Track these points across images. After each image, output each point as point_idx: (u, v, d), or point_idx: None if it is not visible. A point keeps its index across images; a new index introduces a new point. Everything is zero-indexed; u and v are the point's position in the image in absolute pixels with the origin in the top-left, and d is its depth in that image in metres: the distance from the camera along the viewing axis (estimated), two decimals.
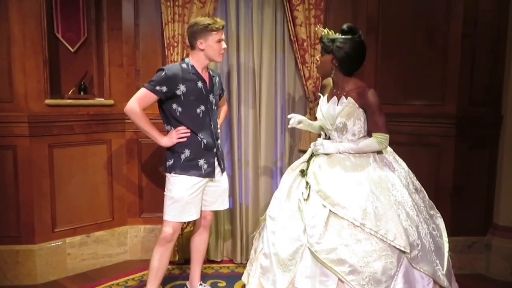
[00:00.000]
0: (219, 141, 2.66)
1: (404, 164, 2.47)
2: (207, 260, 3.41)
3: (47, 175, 3.09)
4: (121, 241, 3.46)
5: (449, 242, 2.39)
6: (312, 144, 2.53)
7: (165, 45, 3.21)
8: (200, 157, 2.52)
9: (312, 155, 2.48)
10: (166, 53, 3.21)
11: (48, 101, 3.04)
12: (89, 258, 3.31)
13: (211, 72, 2.63)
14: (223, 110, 2.93)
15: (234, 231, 3.44)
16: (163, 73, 2.44)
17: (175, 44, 3.17)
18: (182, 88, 2.45)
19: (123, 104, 3.30)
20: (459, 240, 3.29)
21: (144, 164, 3.46)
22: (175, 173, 2.50)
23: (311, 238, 2.12)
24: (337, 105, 2.39)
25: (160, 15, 3.22)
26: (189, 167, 2.50)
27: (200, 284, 2.88)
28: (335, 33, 2.40)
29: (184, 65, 2.51)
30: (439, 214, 2.44)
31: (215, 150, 2.59)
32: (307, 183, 2.34)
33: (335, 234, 2.12)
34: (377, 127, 2.35)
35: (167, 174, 2.55)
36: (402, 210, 2.18)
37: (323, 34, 2.42)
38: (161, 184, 3.31)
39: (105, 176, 3.38)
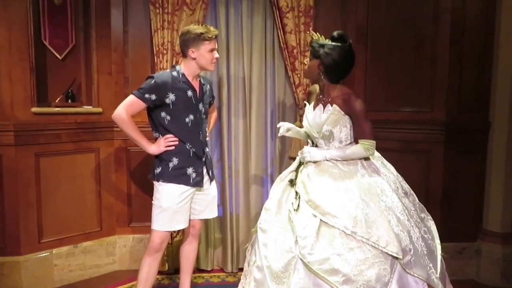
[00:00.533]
0: (207, 149, 2.64)
1: (392, 169, 2.47)
2: (197, 269, 3.37)
3: (34, 184, 3.03)
4: (109, 251, 3.40)
5: (441, 244, 2.39)
6: (299, 152, 2.52)
7: (154, 53, 3.19)
8: (188, 166, 2.49)
9: (300, 164, 2.47)
10: (156, 61, 3.19)
11: (34, 109, 2.99)
12: (76, 269, 3.25)
13: (202, 80, 2.61)
14: (213, 116, 2.90)
15: (225, 239, 3.41)
16: (153, 80, 2.41)
17: (165, 52, 3.15)
18: (171, 96, 2.42)
19: (112, 112, 3.25)
20: (449, 246, 3.29)
21: (133, 173, 3.42)
22: (163, 181, 2.47)
23: (303, 249, 2.10)
24: (323, 112, 2.39)
25: (149, 22, 3.20)
26: (177, 176, 2.47)
27: None
28: (325, 40, 2.39)
29: (174, 73, 2.48)
30: (430, 217, 2.44)
31: (203, 159, 2.56)
32: (296, 193, 2.32)
33: (327, 244, 2.10)
34: (363, 134, 2.35)
35: (155, 182, 2.51)
36: (392, 216, 2.17)
37: (314, 38, 2.42)
38: (150, 192, 3.26)
39: (93, 185, 3.32)
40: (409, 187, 2.45)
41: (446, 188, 3.27)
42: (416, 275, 2.09)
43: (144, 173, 3.31)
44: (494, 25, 3.22)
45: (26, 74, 2.94)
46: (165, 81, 2.41)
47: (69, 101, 3.24)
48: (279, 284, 2.11)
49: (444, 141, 3.23)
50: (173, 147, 2.46)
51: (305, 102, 2.59)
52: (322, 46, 2.34)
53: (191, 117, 2.48)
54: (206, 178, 2.60)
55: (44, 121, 3.04)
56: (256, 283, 2.24)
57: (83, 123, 3.21)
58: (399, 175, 2.45)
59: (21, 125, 2.94)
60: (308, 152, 2.40)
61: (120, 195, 3.42)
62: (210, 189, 2.66)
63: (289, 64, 3.27)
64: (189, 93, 2.48)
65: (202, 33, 2.40)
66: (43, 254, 3.09)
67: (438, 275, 2.17)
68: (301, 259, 2.09)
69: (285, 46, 3.25)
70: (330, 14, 3.39)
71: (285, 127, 2.65)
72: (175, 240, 3.28)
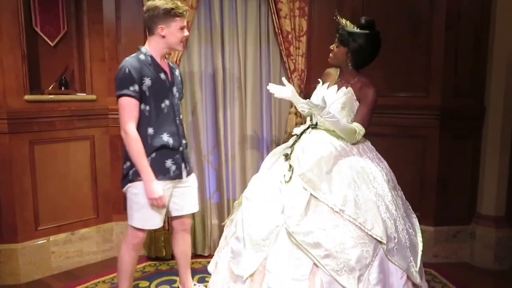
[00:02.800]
0: (184, 141, 2.49)
1: (385, 163, 2.47)
2: (195, 255, 3.39)
3: (29, 172, 3.02)
4: (106, 238, 3.42)
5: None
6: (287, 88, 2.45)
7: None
8: (166, 158, 2.34)
9: (296, 141, 2.46)
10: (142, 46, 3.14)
11: (27, 97, 2.96)
12: (74, 256, 3.26)
13: (170, 64, 2.47)
14: None
15: (221, 225, 3.42)
16: (126, 70, 2.20)
17: None
18: (147, 81, 2.23)
19: (106, 99, 3.29)
20: (443, 230, 3.34)
21: None
22: (141, 178, 2.28)
23: (289, 219, 2.09)
24: (336, 92, 2.39)
25: (142, 7, 3.11)
26: (157, 171, 2.29)
27: (194, 285, 2.80)
28: (353, 26, 2.37)
29: (142, 56, 2.28)
30: (414, 215, 2.45)
31: (181, 149, 2.42)
32: (290, 166, 2.31)
33: (314, 218, 2.11)
34: (362, 119, 2.35)
35: (131, 183, 2.34)
36: (382, 202, 2.19)
37: (341, 25, 2.37)
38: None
39: (89, 173, 3.32)
40: (398, 185, 2.47)
41: (441, 172, 3.29)
42: (397, 264, 2.10)
43: None
44: (489, 10, 3.19)
45: (18, 61, 2.90)
46: (137, 67, 2.22)
47: (63, 88, 3.21)
48: (258, 251, 2.09)
49: (440, 126, 3.23)
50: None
51: (318, 80, 2.57)
52: (351, 34, 2.33)
53: (167, 102, 2.33)
54: (185, 170, 2.46)
55: (38, 109, 3.01)
56: (233, 254, 2.21)
57: (77, 110, 3.19)
58: (390, 171, 2.46)
59: (14, 113, 2.91)
60: (307, 103, 2.25)
61: (116, 181, 3.38)
62: (189, 181, 2.52)
63: (284, 49, 3.24)
64: (162, 76, 2.32)
65: (172, 9, 2.23)
66: (40, 242, 3.11)
67: (417, 269, 2.18)
68: (286, 228, 2.09)
69: (279, 31, 3.22)
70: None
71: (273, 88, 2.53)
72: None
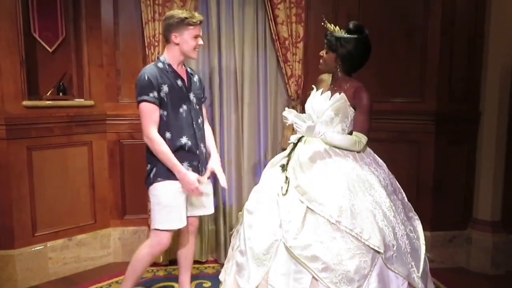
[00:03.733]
0: (203, 146, 2.53)
1: (384, 166, 2.46)
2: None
3: (26, 178, 3.02)
4: (104, 243, 3.42)
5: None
6: (287, 112, 2.37)
7: (146, 45, 3.17)
8: (183, 161, 2.40)
9: (292, 150, 2.45)
10: (147, 53, 3.17)
11: (25, 103, 2.97)
12: (71, 261, 3.26)
13: (189, 70, 2.55)
14: (208, 133, 2.66)
15: (218, 231, 3.44)
16: (146, 77, 2.32)
17: (156, 44, 3.13)
18: (165, 88, 2.34)
19: (104, 105, 3.31)
20: (440, 235, 3.35)
21: (126, 165, 3.42)
22: (161, 179, 2.38)
23: (287, 233, 2.10)
24: (330, 99, 2.38)
25: (140, 14, 3.18)
26: (173, 172, 2.37)
27: None
28: (341, 30, 2.36)
29: (160, 64, 2.40)
30: (417, 217, 2.43)
31: (198, 152, 2.48)
32: (286, 178, 2.31)
33: (311, 231, 2.10)
34: (361, 127, 2.33)
35: (152, 185, 2.42)
36: (379, 210, 2.17)
37: (329, 30, 2.37)
38: (143, 185, 3.28)
39: (87, 178, 3.32)
40: (399, 186, 2.45)
41: (437, 177, 3.31)
42: (396, 271, 2.09)
43: (137, 166, 3.33)
44: (484, 15, 3.23)
45: (16, 67, 2.91)
46: (155, 74, 2.33)
47: (61, 94, 3.22)
48: (260, 266, 2.11)
49: (435, 131, 3.26)
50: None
51: (312, 86, 2.57)
52: (339, 39, 2.31)
53: (184, 107, 2.41)
54: (202, 172, 2.51)
55: (36, 115, 3.02)
56: (238, 267, 2.24)
57: (75, 116, 3.20)
58: (390, 173, 2.45)
59: (12, 119, 2.92)
60: (301, 124, 2.27)
61: (114, 187, 3.42)
62: (206, 184, 2.56)
63: (281, 55, 3.27)
64: (179, 82, 2.42)
65: (186, 18, 2.32)
66: (38, 247, 3.10)
67: (419, 274, 2.17)
68: (283, 243, 2.09)
69: (277, 37, 3.25)
70: (322, 5, 3.38)
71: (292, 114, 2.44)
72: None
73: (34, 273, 3.08)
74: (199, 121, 2.51)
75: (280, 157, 2.53)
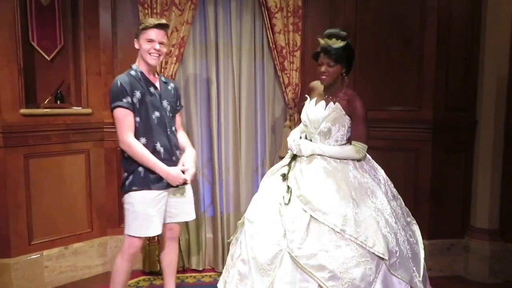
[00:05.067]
0: (178, 152, 2.54)
1: (382, 172, 2.48)
2: (189, 269, 3.38)
3: (23, 186, 3.02)
4: (100, 252, 3.40)
5: (425, 249, 2.41)
6: (289, 139, 2.51)
7: None
8: None
9: (293, 159, 2.47)
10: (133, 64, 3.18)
11: (23, 111, 2.97)
12: (67, 270, 3.24)
13: (163, 79, 2.58)
14: (183, 138, 2.66)
15: (216, 239, 3.42)
16: (118, 83, 2.35)
17: None
18: (137, 94, 2.37)
19: (101, 113, 3.31)
20: (437, 243, 3.34)
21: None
22: (137, 188, 2.39)
23: (291, 243, 2.11)
24: (325, 109, 2.39)
25: (138, 22, 3.19)
26: (149, 181, 2.39)
27: None
28: (337, 41, 2.32)
29: (132, 72, 2.45)
30: (415, 221, 2.46)
31: (174, 158, 2.48)
32: (288, 187, 2.32)
33: (316, 240, 2.12)
34: (358, 136, 2.36)
35: (127, 193, 2.43)
36: (381, 217, 2.19)
37: (328, 44, 2.32)
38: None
39: (84, 186, 3.31)
40: (396, 192, 2.47)
41: (434, 185, 3.31)
42: (400, 277, 2.11)
43: None
44: (480, 24, 3.26)
45: (14, 75, 2.92)
46: (127, 81, 2.37)
47: (58, 102, 3.22)
48: (264, 276, 2.11)
49: (432, 139, 3.27)
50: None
51: (306, 96, 2.59)
52: (345, 49, 2.31)
53: (157, 113, 2.43)
54: None
55: (33, 123, 3.02)
56: (240, 276, 2.23)
57: (73, 124, 3.20)
58: (388, 179, 2.47)
59: (10, 127, 2.92)
60: (299, 144, 2.39)
61: (111, 195, 3.41)
62: (185, 191, 2.57)
63: (278, 64, 3.28)
64: (152, 89, 2.45)
65: (142, 23, 2.43)
66: (34, 256, 3.08)
67: (420, 279, 2.19)
68: (289, 252, 2.10)
69: (274, 46, 3.27)
70: (319, 14, 3.42)
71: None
72: (153, 245, 3.29)
73: (30, 282, 3.06)
74: (173, 128, 2.53)
75: (280, 166, 2.53)
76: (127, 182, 2.42)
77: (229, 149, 3.38)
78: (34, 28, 3.09)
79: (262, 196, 2.42)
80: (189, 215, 2.64)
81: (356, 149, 2.34)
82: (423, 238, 3.24)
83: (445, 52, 3.23)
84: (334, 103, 2.38)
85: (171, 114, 2.52)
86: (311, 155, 2.39)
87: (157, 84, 2.50)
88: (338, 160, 2.35)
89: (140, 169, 2.39)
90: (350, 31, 3.39)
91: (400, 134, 3.33)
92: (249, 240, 2.26)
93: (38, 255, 3.11)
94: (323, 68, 2.36)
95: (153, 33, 2.40)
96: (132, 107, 2.36)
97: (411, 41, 3.29)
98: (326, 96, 2.44)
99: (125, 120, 2.35)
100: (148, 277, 3.29)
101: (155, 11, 3.12)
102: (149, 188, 2.39)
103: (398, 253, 2.14)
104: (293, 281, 2.08)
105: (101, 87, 3.31)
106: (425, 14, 3.21)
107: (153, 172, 2.39)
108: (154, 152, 2.41)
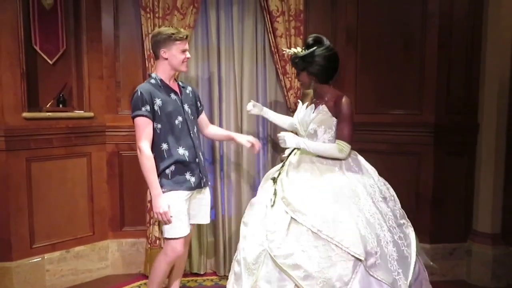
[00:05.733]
0: (201, 154, 2.62)
1: (374, 173, 2.51)
2: (190, 273, 3.37)
3: (25, 189, 3.02)
4: (102, 255, 3.39)
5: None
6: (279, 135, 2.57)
7: (146, 57, 3.20)
8: (185, 171, 2.48)
9: (284, 163, 2.56)
10: (147, 65, 3.20)
11: (25, 114, 2.98)
12: (68, 274, 3.23)
13: (181, 84, 2.63)
14: (216, 128, 2.90)
15: (217, 243, 3.41)
16: (139, 93, 2.41)
17: None
18: (158, 102, 2.43)
19: (103, 116, 3.32)
20: (440, 247, 3.33)
21: (125, 177, 3.41)
22: (166, 190, 2.44)
23: (272, 243, 2.20)
24: (313, 112, 2.50)
25: (140, 26, 3.21)
26: (178, 182, 2.46)
27: None
28: (301, 49, 2.51)
29: (152, 81, 2.50)
30: (409, 224, 2.45)
31: (197, 159, 2.55)
32: (275, 190, 2.42)
33: (294, 240, 2.19)
34: (342, 136, 2.42)
35: None
36: (362, 218, 2.23)
37: (291, 54, 2.52)
38: (142, 197, 3.28)
39: (85, 190, 3.32)
40: (391, 193, 2.49)
41: (436, 189, 3.30)
42: (379, 278, 2.12)
43: (136, 177, 3.32)
44: (481, 28, 3.26)
45: (16, 79, 2.93)
46: (148, 89, 2.43)
47: (60, 105, 3.23)
48: (250, 275, 2.22)
49: (434, 143, 3.26)
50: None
51: (298, 100, 2.69)
52: (303, 58, 2.46)
53: (180, 118, 2.49)
54: (203, 180, 2.59)
55: (35, 126, 3.03)
56: (235, 276, 2.35)
57: (75, 127, 3.21)
58: (380, 179, 2.51)
59: (12, 130, 2.93)
60: (284, 136, 2.46)
61: (113, 199, 3.41)
62: (205, 193, 2.65)
63: (280, 67, 3.29)
64: (172, 95, 2.51)
65: (173, 33, 2.44)
66: (35, 260, 3.08)
67: (407, 282, 2.17)
68: (269, 252, 2.19)
69: (275, 50, 3.27)
70: (320, 18, 3.43)
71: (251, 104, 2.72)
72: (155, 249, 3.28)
73: (32, 286, 3.05)
74: (195, 130, 2.59)
75: (274, 171, 2.64)
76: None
77: (230, 152, 3.38)
78: (37, 32, 3.11)
79: (256, 200, 2.54)
80: (205, 218, 2.70)
81: (339, 147, 2.40)
82: (425, 242, 3.28)
83: (446, 55, 3.22)
84: (322, 106, 2.48)
85: (192, 117, 2.59)
86: (299, 152, 2.51)
87: (177, 90, 2.55)
88: (325, 162, 2.43)
89: (167, 171, 2.46)
90: (351, 35, 3.46)
91: (402, 138, 3.33)
92: (242, 242, 2.38)
93: (40, 259, 3.10)
94: (296, 77, 2.65)
95: (185, 43, 2.49)
96: (151, 115, 2.41)
97: (412, 45, 3.29)
98: (314, 100, 2.56)
99: (144, 128, 2.41)
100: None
101: (157, 15, 3.13)
102: (177, 189, 2.45)
103: (378, 254, 2.15)
104: (272, 280, 2.15)
105: (103, 90, 3.32)
106: (426, 18, 3.22)
107: (180, 174, 2.47)
108: (179, 158, 2.46)
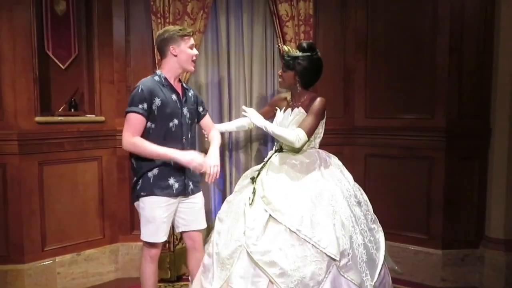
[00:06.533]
0: None
1: (350, 178, 2.60)
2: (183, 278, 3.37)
3: (37, 193, 3.06)
4: (112, 259, 3.42)
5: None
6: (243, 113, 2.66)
7: (156, 62, 3.22)
8: (169, 176, 2.39)
9: (264, 164, 2.63)
10: (157, 69, 3.21)
11: (38, 119, 3.03)
12: (79, 277, 3.26)
13: (184, 85, 2.58)
14: (215, 136, 2.66)
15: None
16: (139, 89, 2.34)
17: None
18: (157, 101, 2.35)
19: (114, 120, 3.35)
20: (451, 253, 3.29)
21: None
22: (145, 194, 2.38)
23: (249, 239, 2.25)
24: (290, 115, 2.61)
25: (151, 31, 3.24)
26: (159, 187, 2.38)
27: None
28: (295, 50, 2.62)
29: (156, 78, 2.43)
30: (380, 229, 2.53)
31: (184, 169, 2.42)
32: (254, 189, 2.48)
33: (272, 238, 2.25)
34: (304, 125, 2.50)
35: (138, 199, 2.43)
36: (338, 220, 2.30)
37: (285, 51, 2.63)
38: None
39: (96, 193, 3.35)
40: (365, 198, 2.58)
41: (448, 194, 3.26)
42: (349, 279, 2.20)
43: None
44: (493, 32, 3.22)
45: (29, 84, 2.98)
46: (150, 87, 2.35)
47: (72, 110, 3.27)
48: (223, 270, 2.26)
49: (445, 147, 3.22)
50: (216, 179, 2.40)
51: (276, 108, 2.79)
52: (295, 58, 2.58)
53: (175, 121, 2.42)
54: (190, 187, 2.49)
55: (47, 130, 3.07)
56: (204, 268, 2.40)
57: (86, 131, 3.24)
58: (356, 185, 2.59)
59: (25, 134, 2.97)
60: (249, 113, 2.58)
61: (123, 203, 3.43)
62: (196, 198, 2.55)
63: None
64: (174, 96, 2.43)
65: (180, 29, 2.43)
66: (46, 262, 3.11)
67: (372, 283, 2.26)
68: (245, 248, 2.23)
69: (281, 58, 3.27)
70: (330, 22, 3.43)
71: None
72: (177, 248, 3.30)
73: None
74: (189, 136, 2.52)
75: (253, 171, 2.72)
76: (137, 187, 2.43)
77: (240, 156, 3.38)
78: (49, 37, 3.16)
79: (233, 198, 2.62)
80: (202, 223, 2.61)
81: (296, 136, 2.46)
82: (436, 248, 3.25)
83: (457, 59, 3.19)
84: (298, 108, 2.59)
85: (189, 122, 2.51)
86: (280, 153, 2.62)
87: (180, 91, 2.49)
88: (305, 165, 2.50)
89: (150, 174, 2.38)
90: (361, 39, 3.45)
91: (413, 142, 3.30)
92: (216, 237, 2.44)
93: (51, 261, 3.14)
94: (279, 72, 2.71)
95: (192, 40, 2.46)
96: (147, 113, 2.34)
97: (423, 49, 3.27)
98: (291, 103, 2.67)
99: (135, 124, 2.33)
100: (159, 284, 3.28)
101: (167, 20, 3.15)
102: (157, 194, 2.38)
103: (350, 255, 2.24)
104: (247, 275, 2.20)
105: (114, 94, 3.35)
106: (437, 21, 3.19)
107: (162, 179, 2.39)
108: (163, 161, 2.38)
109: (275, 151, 2.69)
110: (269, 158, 2.66)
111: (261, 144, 3.44)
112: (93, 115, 3.32)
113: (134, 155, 2.42)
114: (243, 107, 2.69)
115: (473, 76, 3.23)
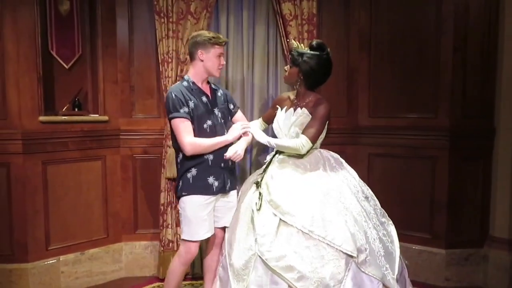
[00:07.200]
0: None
1: (355, 174, 2.57)
2: (200, 277, 3.37)
3: (41, 192, 3.06)
4: (116, 258, 3.42)
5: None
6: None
7: (160, 61, 3.22)
8: (208, 175, 2.46)
9: (266, 168, 2.58)
10: (161, 69, 3.22)
11: (42, 118, 3.03)
12: (83, 276, 3.27)
13: (213, 86, 2.62)
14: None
15: None
16: (173, 95, 2.41)
17: (169, 60, 3.18)
18: (191, 104, 2.42)
19: (118, 120, 3.36)
20: (455, 252, 3.28)
21: (139, 180, 3.44)
22: (186, 194, 2.45)
23: (262, 246, 2.20)
24: (293, 115, 2.54)
25: (154, 31, 3.24)
26: (199, 187, 2.44)
27: None
28: (305, 48, 2.56)
29: (185, 83, 2.50)
30: (391, 222, 2.51)
31: (222, 165, 2.50)
32: (260, 193, 2.42)
33: (285, 242, 2.20)
34: (308, 132, 2.46)
35: (180, 199, 2.51)
36: (350, 216, 2.26)
37: (294, 46, 2.58)
38: (156, 200, 3.31)
39: (100, 193, 3.35)
40: (371, 193, 2.55)
41: (452, 194, 3.26)
42: (370, 274, 2.16)
43: (150, 181, 3.37)
44: (497, 31, 3.21)
45: (33, 83, 2.99)
46: (181, 91, 2.43)
47: (76, 109, 3.28)
48: (240, 281, 2.22)
49: (449, 147, 3.22)
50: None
51: (277, 106, 2.73)
52: (301, 55, 2.51)
53: (209, 122, 2.48)
54: (227, 185, 2.54)
55: (51, 130, 3.08)
56: (220, 282, 2.37)
57: (90, 131, 3.25)
58: (361, 181, 2.56)
59: (29, 134, 2.98)
60: (254, 132, 2.53)
61: (126, 202, 3.44)
62: (230, 197, 2.60)
63: None
64: (204, 98, 2.50)
65: (213, 37, 2.46)
66: (50, 261, 3.12)
67: (394, 276, 2.23)
68: (259, 256, 2.19)
69: (288, 53, 3.27)
70: (333, 22, 3.43)
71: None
72: None
73: (47, 287, 3.09)
74: (224, 134, 2.55)
75: (256, 175, 2.66)
76: (178, 187, 2.50)
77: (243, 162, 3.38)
78: (53, 37, 3.16)
79: (240, 205, 2.54)
80: (228, 222, 2.62)
81: (300, 143, 2.42)
82: (440, 247, 3.25)
83: (461, 58, 3.18)
84: (301, 108, 2.52)
85: (222, 121, 2.56)
86: (282, 155, 2.55)
87: (209, 93, 2.55)
88: (308, 164, 2.46)
89: (189, 175, 2.45)
90: (365, 38, 3.45)
91: (417, 142, 3.29)
92: (228, 248, 2.40)
93: (55, 260, 3.14)
94: (285, 67, 2.65)
95: (222, 49, 2.50)
96: (189, 116, 2.41)
97: (427, 48, 3.26)
98: (295, 102, 2.61)
99: (185, 128, 2.39)
100: (163, 283, 3.29)
101: (171, 19, 3.15)
102: (199, 193, 2.44)
103: (367, 250, 2.20)
104: (264, 283, 2.16)
105: (117, 94, 3.36)
106: (441, 21, 3.18)
107: (201, 179, 2.45)
108: (202, 160, 2.45)
109: (276, 153, 2.63)
110: (270, 161, 2.62)
111: (261, 146, 3.43)
112: (97, 115, 3.32)
113: (178, 155, 2.50)
114: (246, 123, 2.63)
115: (477, 75, 3.23)
